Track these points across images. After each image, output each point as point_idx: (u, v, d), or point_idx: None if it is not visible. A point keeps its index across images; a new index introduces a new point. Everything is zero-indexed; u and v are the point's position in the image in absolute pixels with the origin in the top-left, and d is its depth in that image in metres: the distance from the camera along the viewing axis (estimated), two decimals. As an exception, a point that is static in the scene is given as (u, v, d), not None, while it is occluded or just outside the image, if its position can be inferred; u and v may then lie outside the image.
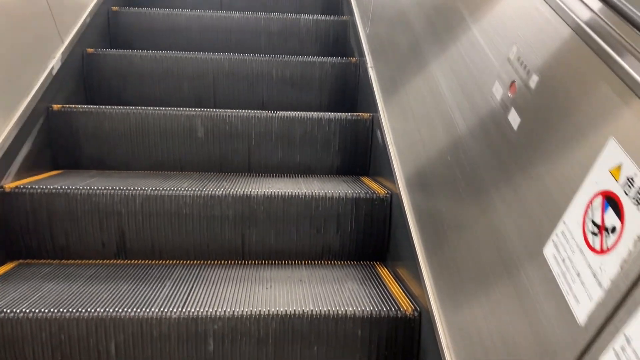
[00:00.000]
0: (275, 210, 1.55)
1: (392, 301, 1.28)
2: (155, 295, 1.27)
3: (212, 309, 1.20)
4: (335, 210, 1.57)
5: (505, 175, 0.86)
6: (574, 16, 0.75)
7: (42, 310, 1.17)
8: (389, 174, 1.58)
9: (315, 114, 1.89)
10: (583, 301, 0.61)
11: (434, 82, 1.26)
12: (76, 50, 2.04)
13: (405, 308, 1.23)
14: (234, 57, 2.15)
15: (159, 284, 1.36)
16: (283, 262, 1.58)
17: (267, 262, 1.57)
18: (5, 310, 1.16)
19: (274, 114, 1.87)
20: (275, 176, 1.88)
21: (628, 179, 0.58)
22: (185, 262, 1.54)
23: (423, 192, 1.31)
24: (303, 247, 1.58)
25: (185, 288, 1.33)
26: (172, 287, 1.34)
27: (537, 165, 0.76)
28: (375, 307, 1.24)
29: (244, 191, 1.54)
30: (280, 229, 1.57)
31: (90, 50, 2.13)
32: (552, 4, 0.81)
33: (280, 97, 2.19)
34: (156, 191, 1.51)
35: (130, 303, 1.22)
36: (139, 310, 1.19)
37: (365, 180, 1.83)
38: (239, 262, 1.57)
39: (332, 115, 1.90)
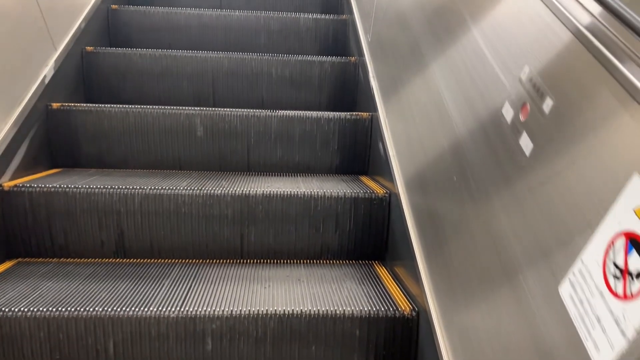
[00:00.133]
0: (274, 209, 1.55)
1: (391, 301, 1.28)
2: (153, 295, 1.28)
3: (211, 309, 1.20)
4: (334, 210, 1.57)
5: (515, 199, 0.81)
6: (593, 39, 0.69)
7: (41, 309, 1.17)
8: (388, 174, 1.58)
9: (314, 113, 1.89)
10: (604, 350, 0.57)
11: (435, 90, 1.24)
12: (75, 50, 2.04)
13: (403, 308, 1.24)
14: (233, 56, 2.15)
15: (158, 283, 1.36)
16: (282, 261, 1.58)
17: (265, 261, 1.57)
18: (3, 309, 1.16)
19: (273, 113, 1.87)
20: (275, 175, 1.88)
21: (656, 221, 0.53)
22: (183, 261, 1.55)
23: (422, 193, 1.31)
24: (302, 247, 1.59)
25: (184, 287, 1.34)
26: (170, 286, 1.34)
27: (552, 195, 0.71)
28: (373, 307, 1.24)
29: (242, 190, 1.54)
30: (279, 228, 1.57)
31: (89, 48, 2.13)
32: (567, 23, 0.76)
33: (279, 96, 2.19)
34: (155, 190, 1.51)
35: (128, 302, 1.22)
36: (137, 309, 1.19)
37: (364, 179, 1.83)
38: (238, 261, 1.57)
39: (331, 114, 1.90)
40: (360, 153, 1.93)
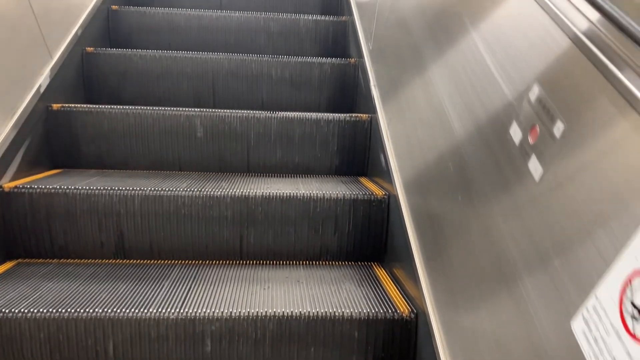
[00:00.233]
0: (274, 211, 1.56)
1: (389, 303, 1.29)
2: (153, 296, 1.28)
3: (210, 310, 1.21)
4: (334, 211, 1.58)
5: (522, 223, 0.77)
6: (610, 64, 0.65)
7: (41, 310, 1.18)
8: (387, 176, 1.59)
9: (314, 115, 1.90)
10: None
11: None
12: (75, 50, 2.04)
13: (402, 310, 1.24)
14: (233, 57, 2.16)
15: (158, 284, 1.36)
16: (281, 262, 1.58)
17: (265, 262, 1.58)
18: (4, 310, 1.17)
19: (273, 115, 1.88)
20: (274, 176, 1.89)
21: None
22: (183, 262, 1.55)
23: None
24: (301, 248, 1.59)
25: (184, 288, 1.34)
26: (170, 288, 1.34)
27: (563, 224, 0.68)
28: (372, 308, 1.24)
29: (242, 192, 1.55)
30: (278, 229, 1.57)
31: (89, 49, 2.13)
32: (576, 41, 0.73)
33: (279, 97, 2.19)
34: (155, 191, 1.51)
35: (128, 303, 1.23)
36: (137, 310, 1.19)
37: (364, 180, 1.84)
38: (237, 262, 1.57)
39: (330, 116, 1.90)
40: (359, 154, 1.94)
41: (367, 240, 1.60)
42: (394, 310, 1.24)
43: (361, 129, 1.91)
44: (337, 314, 1.22)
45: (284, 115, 1.88)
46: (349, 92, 2.22)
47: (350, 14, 2.45)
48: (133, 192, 1.51)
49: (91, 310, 1.18)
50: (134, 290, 1.31)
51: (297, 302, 1.27)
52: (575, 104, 0.71)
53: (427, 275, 1.17)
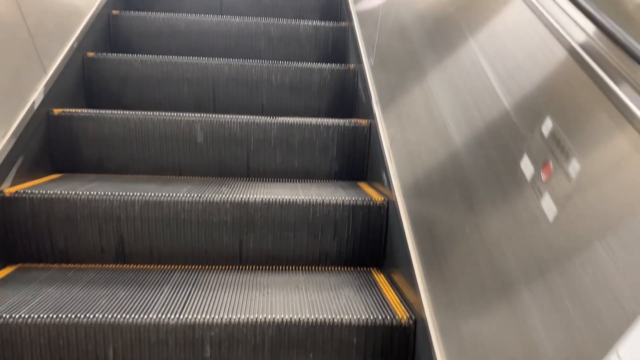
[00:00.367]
0: (273, 216, 1.57)
1: (388, 309, 1.29)
2: (153, 301, 1.29)
3: (209, 316, 1.21)
4: (333, 217, 1.59)
5: (533, 261, 0.73)
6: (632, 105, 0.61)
7: (41, 315, 1.18)
8: (386, 181, 1.60)
9: (313, 120, 1.91)
10: None
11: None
12: (76, 55, 2.05)
13: (400, 316, 1.25)
14: (233, 63, 2.17)
15: (157, 289, 1.37)
16: (280, 267, 1.59)
17: (264, 267, 1.59)
18: (4, 315, 1.18)
19: (273, 120, 1.89)
20: (274, 181, 1.90)
21: None
22: (183, 267, 1.56)
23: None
24: (300, 253, 1.60)
25: (183, 293, 1.35)
26: (170, 293, 1.35)
27: (580, 273, 0.63)
28: (371, 314, 1.25)
29: (242, 197, 1.56)
30: (277, 234, 1.58)
31: (90, 54, 2.14)
32: (592, 73, 0.69)
33: (279, 102, 2.20)
34: (155, 197, 1.52)
35: (128, 308, 1.23)
36: (137, 316, 1.20)
37: (363, 185, 1.85)
38: (237, 267, 1.58)
39: (330, 121, 1.91)
40: (358, 160, 1.95)
41: (366, 245, 1.61)
42: (392, 316, 1.25)
43: (360, 134, 1.92)
44: (336, 320, 1.23)
45: (284, 120, 1.89)
46: (348, 98, 2.23)
47: (350, 19, 2.46)
48: (133, 197, 1.52)
49: (91, 316, 1.19)
50: (134, 295, 1.32)
51: (296, 308, 1.28)
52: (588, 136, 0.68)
53: (426, 281, 1.18)
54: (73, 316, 1.19)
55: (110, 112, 1.85)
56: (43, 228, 1.51)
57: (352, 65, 2.23)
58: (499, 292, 0.83)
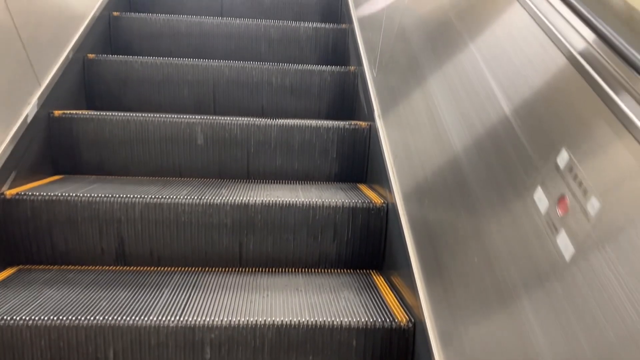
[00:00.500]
0: (273, 218, 1.57)
1: (387, 311, 1.30)
2: (153, 303, 1.29)
3: (209, 318, 1.22)
4: (333, 219, 1.59)
5: (547, 297, 0.69)
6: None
7: (42, 317, 1.19)
8: (386, 183, 1.60)
9: (313, 122, 1.91)
10: None
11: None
12: (76, 57, 2.06)
13: (400, 319, 1.25)
14: (234, 65, 2.17)
15: (157, 291, 1.37)
16: (280, 270, 1.59)
17: (264, 269, 1.59)
18: (5, 317, 1.18)
19: (273, 122, 1.89)
20: (274, 183, 1.90)
21: None
22: (183, 269, 1.56)
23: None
24: (300, 255, 1.60)
25: (183, 295, 1.35)
26: (170, 295, 1.35)
27: (597, 316, 0.59)
28: (370, 317, 1.26)
29: (242, 199, 1.56)
30: (277, 237, 1.58)
31: (91, 56, 2.15)
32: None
33: (279, 104, 2.21)
34: (155, 199, 1.53)
35: (129, 311, 1.24)
36: (137, 318, 1.20)
37: (363, 188, 1.85)
38: (237, 269, 1.58)
39: (330, 123, 1.92)
40: (358, 162, 1.95)
41: (366, 248, 1.61)
42: (392, 319, 1.25)
43: (360, 136, 1.93)
44: (335, 322, 1.23)
45: (284, 122, 1.90)
46: (348, 100, 2.24)
47: (351, 22, 2.46)
48: (134, 199, 1.52)
49: (92, 318, 1.19)
50: (134, 298, 1.32)
51: (296, 311, 1.28)
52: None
53: (425, 284, 1.19)
54: (73, 318, 1.19)
55: (110, 113, 1.86)
56: (43, 230, 1.51)
57: (352, 68, 2.24)
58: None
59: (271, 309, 1.28)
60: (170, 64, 2.16)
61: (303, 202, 1.57)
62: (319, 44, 2.52)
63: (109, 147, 1.86)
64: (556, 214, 0.70)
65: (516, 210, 0.81)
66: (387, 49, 1.83)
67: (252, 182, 1.90)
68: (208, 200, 1.55)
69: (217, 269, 1.57)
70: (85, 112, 1.89)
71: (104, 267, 1.54)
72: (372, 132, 1.88)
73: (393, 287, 1.45)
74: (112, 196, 1.52)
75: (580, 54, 0.74)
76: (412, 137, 1.43)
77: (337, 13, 2.87)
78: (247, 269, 1.59)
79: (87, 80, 2.15)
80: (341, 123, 1.92)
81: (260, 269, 1.59)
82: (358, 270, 1.62)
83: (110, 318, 1.20)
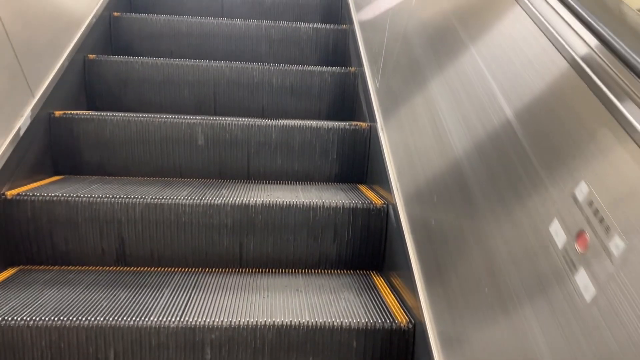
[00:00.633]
0: (274, 219, 1.57)
1: (387, 312, 1.30)
2: (154, 304, 1.29)
3: (210, 319, 1.22)
4: (333, 220, 1.59)
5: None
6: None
7: (43, 318, 1.19)
8: (386, 184, 1.60)
9: (314, 123, 1.91)
10: None
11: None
12: (77, 57, 2.06)
13: (400, 320, 1.25)
14: (234, 65, 2.17)
15: (158, 292, 1.38)
16: (280, 270, 1.60)
17: (264, 270, 1.59)
18: (6, 317, 1.18)
19: (273, 123, 1.89)
20: (274, 183, 1.90)
21: None
22: (183, 269, 1.56)
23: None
24: (300, 256, 1.60)
25: (184, 296, 1.35)
26: (170, 295, 1.35)
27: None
28: (370, 318, 1.26)
29: (242, 200, 1.56)
30: (278, 237, 1.59)
31: (91, 56, 2.15)
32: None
33: (280, 105, 2.21)
34: (156, 199, 1.53)
35: (129, 311, 1.24)
36: (138, 319, 1.20)
37: (363, 188, 1.85)
38: (237, 270, 1.59)
39: (330, 124, 1.92)
40: (358, 162, 1.95)
41: (366, 248, 1.61)
42: (392, 320, 1.25)
43: (361, 137, 1.93)
44: (335, 323, 1.23)
45: (285, 123, 1.90)
46: (348, 101, 2.24)
47: (351, 22, 2.46)
48: (134, 200, 1.52)
49: (92, 319, 1.20)
50: (134, 298, 1.33)
51: (296, 312, 1.28)
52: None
53: (425, 285, 1.19)
54: (74, 319, 1.19)
55: (111, 114, 1.86)
56: (44, 230, 1.52)
57: (352, 69, 2.24)
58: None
59: (271, 310, 1.29)
60: (170, 64, 2.16)
61: (303, 202, 1.58)
62: (320, 44, 2.53)
63: (109, 148, 1.86)
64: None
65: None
66: (390, 51, 1.83)
67: (252, 182, 1.90)
68: (208, 201, 1.55)
69: (217, 270, 1.58)
70: (85, 112, 1.89)
71: (105, 268, 1.54)
72: (372, 133, 1.88)
73: (393, 288, 1.46)
74: (112, 197, 1.52)
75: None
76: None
77: (338, 14, 2.87)
78: (247, 270, 1.59)
79: (88, 81, 2.15)
80: (341, 124, 1.92)
81: (261, 270, 1.59)
82: (358, 271, 1.62)
83: (110, 319, 1.20)
